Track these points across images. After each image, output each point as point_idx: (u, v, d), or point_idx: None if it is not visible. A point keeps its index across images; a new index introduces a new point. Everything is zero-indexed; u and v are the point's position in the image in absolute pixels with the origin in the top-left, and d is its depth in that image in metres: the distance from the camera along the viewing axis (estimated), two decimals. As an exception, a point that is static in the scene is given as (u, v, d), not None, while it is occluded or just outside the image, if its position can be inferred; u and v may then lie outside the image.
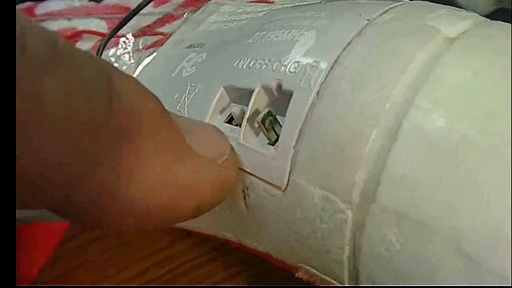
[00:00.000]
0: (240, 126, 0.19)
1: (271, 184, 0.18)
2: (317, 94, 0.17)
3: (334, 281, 0.18)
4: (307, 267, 0.19)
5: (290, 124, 0.17)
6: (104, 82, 0.13)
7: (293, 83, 0.18)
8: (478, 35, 0.17)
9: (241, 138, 0.19)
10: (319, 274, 0.19)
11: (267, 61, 0.19)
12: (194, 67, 0.23)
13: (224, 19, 0.26)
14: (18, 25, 0.11)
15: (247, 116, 0.19)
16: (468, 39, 0.17)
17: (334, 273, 0.18)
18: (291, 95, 0.18)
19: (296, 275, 0.20)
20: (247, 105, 0.19)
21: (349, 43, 0.17)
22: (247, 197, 0.19)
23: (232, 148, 0.19)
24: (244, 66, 0.20)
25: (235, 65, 0.20)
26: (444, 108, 0.15)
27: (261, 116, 0.18)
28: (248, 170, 0.19)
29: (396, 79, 0.16)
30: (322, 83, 0.17)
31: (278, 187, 0.18)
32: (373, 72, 0.16)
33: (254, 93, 0.19)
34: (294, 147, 0.17)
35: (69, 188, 0.13)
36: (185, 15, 0.28)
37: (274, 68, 0.19)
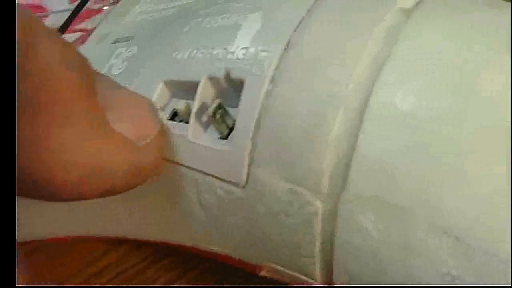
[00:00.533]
0: (186, 122, 0.18)
1: (228, 182, 0.17)
2: (272, 80, 0.16)
3: (304, 277, 0.17)
4: (273, 265, 0.18)
5: (244, 114, 0.16)
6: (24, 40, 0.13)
7: (243, 71, 0.16)
8: (433, 2, 0.16)
9: (190, 135, 0.17)
10: (287, 271, 0.17)
11: (211, 49, 0.17)
12: (126, 62, 0.21)
13: (150, 8, 0.24)
14: None
15: (194, 110, 0.17)
16: (424, 9, 0.16)
17: (305, 269, 0.17)
18: (242, 83, 0.16)
19: (259, 275, 0.18)
20: (192, 99, 0.18)
21: (300, 22, 0.16)
22: (202, 199, 0.18)
23: (162, 130, 0.17)
24: (185, 57, 0.18)
25: (174, 56, 0.19)
26: (412, 82, 0.14)
27: (212, 108, 0.16)
28: (201, 169, 0.17)
29: (357, 56, 0.15)
30: (276, 68, 0.16)
31: (236, 184, 0.17)
32: (330, 51, 0.15)
33: (200, 85, 0.17)
34: (251, 139, 0.16)
35: None
36: (106, 8, 0.26)
37: (220, 56, 0.17)
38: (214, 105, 0.17)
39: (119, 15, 0.25)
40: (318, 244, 0.16)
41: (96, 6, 0.26)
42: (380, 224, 0.14)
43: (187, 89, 0.18)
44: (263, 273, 0.18)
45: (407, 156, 0.14)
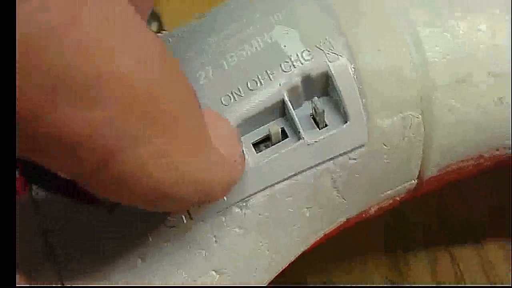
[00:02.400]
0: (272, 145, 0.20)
1: (355, 148, 0.20)
2: (351, 56, 0.20)
3: (405, 183, 0.22)
4: (379, 197, 0.22)
5: (348, 92, 0.20)
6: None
7: (320, 65, 0.20)
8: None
9: (308, 139, 0.20)
10: (393, 189, 0.22)
11: (268, 72, 0.20)
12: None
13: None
14: None
15: (297, 121, 0.20)
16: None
17: (409, 175, 0.22)
18: (325, 75, 0.20)
19: (368, 215, 0.23)
20: (267, 122, 0.20)
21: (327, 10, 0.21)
22: (337, 181, 0.20)
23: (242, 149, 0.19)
24: (243, 94, 0.20)
25: (223, 101, 0.20)
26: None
27: (317, 107, 0.20)
28: (330, 156, 0.20)
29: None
30: (345, 47, 0.20)
31: (361, 145, 0.20)
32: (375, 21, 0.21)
33: (287, 101, 0.20)
34: (362, 107, 0.20)
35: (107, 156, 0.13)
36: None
37: (284, 69, 0.20)
38: (316, 103, 0.20)
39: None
40: (421, 146, 0.22)
41: None
42: (459, 97, 0.21)
43: (259, 117, 0.20)
44: (372, 212, 0.23)
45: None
